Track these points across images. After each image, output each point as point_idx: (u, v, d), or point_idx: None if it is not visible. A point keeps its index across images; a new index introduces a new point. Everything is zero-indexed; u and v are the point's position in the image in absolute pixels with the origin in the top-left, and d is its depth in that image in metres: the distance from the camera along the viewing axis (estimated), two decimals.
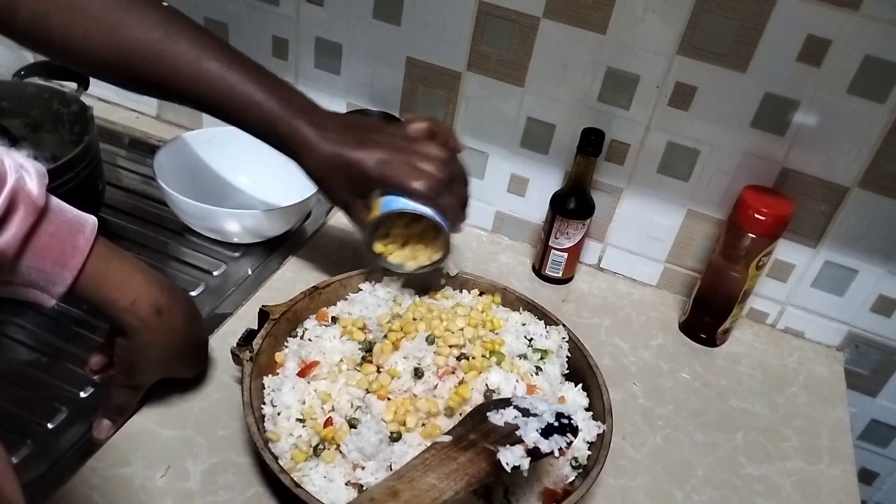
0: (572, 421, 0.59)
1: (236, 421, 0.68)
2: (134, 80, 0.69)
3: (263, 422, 0.64)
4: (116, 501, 0.59)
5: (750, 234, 0.79)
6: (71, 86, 0.93)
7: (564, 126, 0.89)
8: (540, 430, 0.57)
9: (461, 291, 0.79)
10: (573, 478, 0.64)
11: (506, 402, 0.61)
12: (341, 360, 0.68)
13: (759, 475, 0.73)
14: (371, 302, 0.75)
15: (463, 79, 0.90)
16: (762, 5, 0.74)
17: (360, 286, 0.78)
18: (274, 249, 0.91)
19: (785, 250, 0.87)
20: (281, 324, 0.71)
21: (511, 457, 0.55)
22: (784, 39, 0.75)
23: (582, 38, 0.83)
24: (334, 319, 0.73)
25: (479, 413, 0.60)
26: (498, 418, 0.58)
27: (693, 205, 0.88)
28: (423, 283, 0.79)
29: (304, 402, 0.65)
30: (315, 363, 0.67)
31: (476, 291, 0.79)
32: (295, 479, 0.58)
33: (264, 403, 0.65)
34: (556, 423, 0.58)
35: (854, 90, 0.75)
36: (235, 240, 0.89)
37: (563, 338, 0.74)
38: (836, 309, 0.89)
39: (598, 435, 0.66)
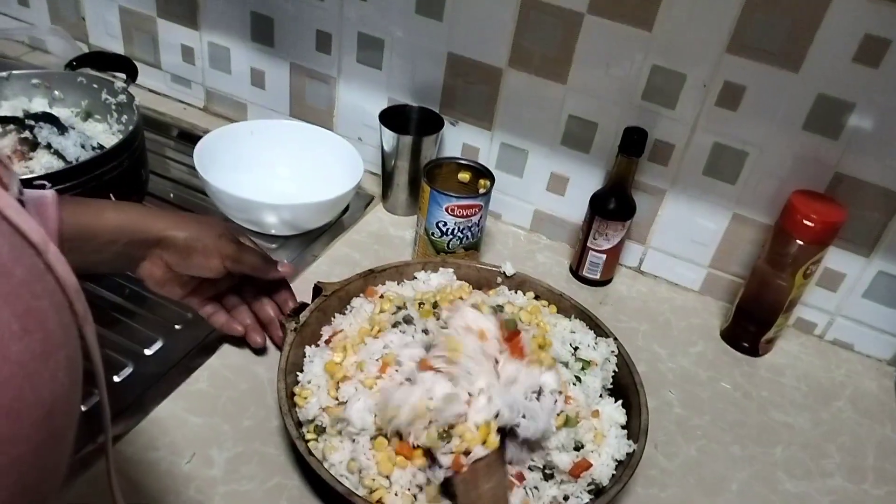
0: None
1: (262, 410, 0.68)
2: None
3: (295, 387, 0.65)
4: (142, 485, 0.60)
5: (798, 241, 0.76)
6: (120, 77, 0.95)
7: (607, 125, 0.87)
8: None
9: (516, 292, 0.78)
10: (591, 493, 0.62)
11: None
12: (371, 329, 0.69)
13: (796, 492, 0.70)
14: (423, 288, 0.76)
15: (504, 75, 0.89)
16: (817, 2, 0.71)
17: (416, 274, 0.78)
18: (310, 242, 0.91)
19: (836, 258, 0.83)
20: (332, 301, 0.73)
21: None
22: (839, 39, 0.72)
23: (627, 35, 0.80)
24: (381, 297, 0.74)
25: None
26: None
27: (739, 209, 0.85)
28: (480, 280, 0.79)
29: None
30: (339, 332, 0.69)
31: (532, 294, 0.78)
32: (322, 450, 0.60)
33: (302, 371, 0.67)
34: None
35: None
36: (273, 231, 0.90)
37: (613, 351, 0.72)
38: (889, 321, 0.84)
39: (627, 454, 0.64)
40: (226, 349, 0.74)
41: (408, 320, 0.68)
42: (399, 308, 0.70)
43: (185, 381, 0.69)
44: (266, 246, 0.90)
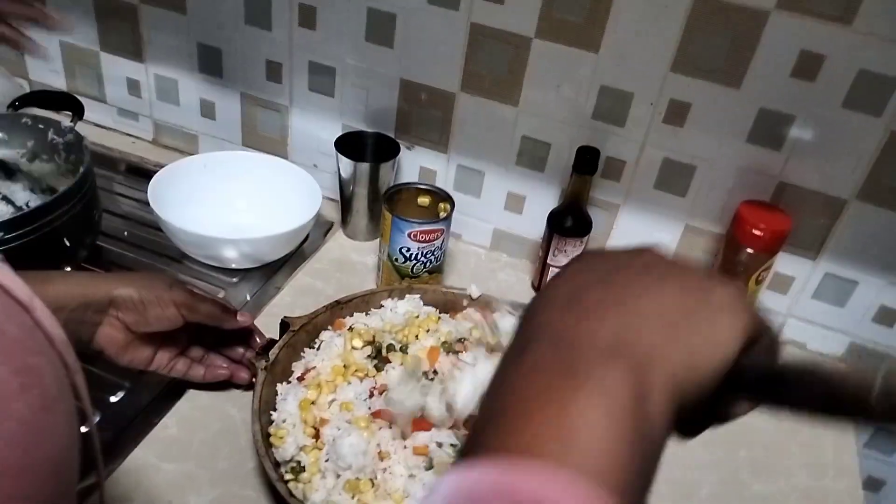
0: None
1: (237, 452, 0.68)
2: None
3: (270, 426, 0.65)
4: None
5: (748, 250, 0.79)
6: (66, 115, 0.93)
7: (560, 144, 0.89)
8: None
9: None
10: None
11: None
12: (345, 367, 0.69)
13: (764, 493, 0.73)
14: (390, 317, 0.77)
15: (457, 99, 0.90)
16: (754, 22, 0.74)
17: (383, 302, 0.79)
18: (272, 274, 0.91)
19: (784, 263, 0.86)
20: (300, 335, 0.73)
21: None
22: (777, 55, 0.75)
23: (575, 58, 0.82)
24: (350, 329, 0.74)
25: None
26: None
27: (691, 220, 0.88)
28: (447, 303, 0.79)
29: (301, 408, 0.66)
30: (311, 369, 0.69)
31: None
32: (302, 490, 0.59)
33: (275, 410, 0.67)
34: None
35: (849, 104, 0.75)
36: (233, 265, 0.89)
37: None
38: (838, 320, 0.88)
39: None
40: (193, 392, 0.73)
41: (382, 360, 0.69)
42: (368, 343, 0.71)
43: (154, 427, 0.68)
44: (227, 280, 0.89)
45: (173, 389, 0.73)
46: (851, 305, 0.87)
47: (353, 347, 0.71)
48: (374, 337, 0.72)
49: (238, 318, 0.70)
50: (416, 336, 0.73)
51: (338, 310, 0.77)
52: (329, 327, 0.75)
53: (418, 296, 0.80)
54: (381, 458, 0.60)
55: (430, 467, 0.61)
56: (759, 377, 0.32)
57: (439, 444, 0.61)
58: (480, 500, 0.26)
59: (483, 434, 0.30)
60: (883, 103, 0.74)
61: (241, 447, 0.68)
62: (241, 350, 0.73)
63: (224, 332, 0.71)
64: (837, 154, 0.78)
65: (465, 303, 0.80)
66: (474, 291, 0.80)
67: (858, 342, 0.89)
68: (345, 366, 0.69)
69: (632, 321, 0.32)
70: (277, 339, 0.72)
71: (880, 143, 0.76)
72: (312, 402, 0.65)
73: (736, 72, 0.77)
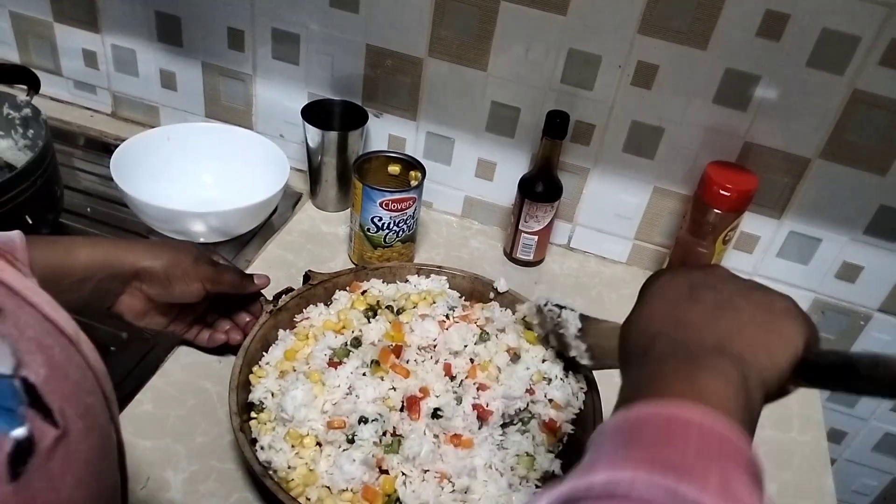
0: None
1: (215, 426, 0.67)
2: None
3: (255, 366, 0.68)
4: None
5: (716, 210, 0.80)
6: (21, 89, 0.90)
7: (529, 109, 0.88)
8: None
9: (506, 310, 0.76)
10: None
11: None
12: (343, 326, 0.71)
13: None
14: (407, 290, 0.77)
15: (425, 65, 0.89)
16: None
17: (409, 277, 0.79)
18: (242, 247, 0.90)
19: (750, 222, 0.88)
20: (317, 290, 0.75)
21: None
22: (743, 15, 0.76)
23: (542, 20, 0.82)
24: (363, 293, 0.75)
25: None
26: None
27: (659, 182, 0.89)
28: (473, 291, 0.79)
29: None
30: (306, 318, 0.72)
31: (521, 315, 0.76)
32: (259, 429, 0.63)
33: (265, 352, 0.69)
34: None
35: (813, 63, 0.76)
36: (202, 239, 0.88)
37: (582, 388, 0.69)
38: (802, 277, 0.90)
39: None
40: (167, 367, 0.72)
41: (355, 344, 0.68)
42: (371, 307, 0.72)
43: (128, 404, 0.67)
44: None
45: (147, 366, 0.72)
46: (815, 263, 0.89)
47: (354, 307, 0.72)
48: (377, 302, 0.73)
49: (255, 281, 0.72)
50: (415, 305, 0.73)
51: (363, 274, 0.78)
52: (347, 288, 0.77)
53: (445, 278, 0.79)
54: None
55: (350, 441, 0.60)
56: (832, 368, 0.40)
57: (363, 420, 0.60)
58: (640, 422, 0.35)
59: (629, 401, 0.37)
60: (845, 62, 0.75)
61: (219, 421, 0.68)
62: (246, 317, 0.73)
63: (235, 297, 0.72)
64: (801, 113, 0.79)
65: (491, 295, 0.78)
66: (502, 286, 0.78)
67: (822, 298, 0.91)
68: (338, 322, 0.71)
69: (726, 330, 0.41)
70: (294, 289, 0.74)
71: (842, 101, 0.77)
72: (296, 352, 0.68)
73: (703, 32, 0.78)
